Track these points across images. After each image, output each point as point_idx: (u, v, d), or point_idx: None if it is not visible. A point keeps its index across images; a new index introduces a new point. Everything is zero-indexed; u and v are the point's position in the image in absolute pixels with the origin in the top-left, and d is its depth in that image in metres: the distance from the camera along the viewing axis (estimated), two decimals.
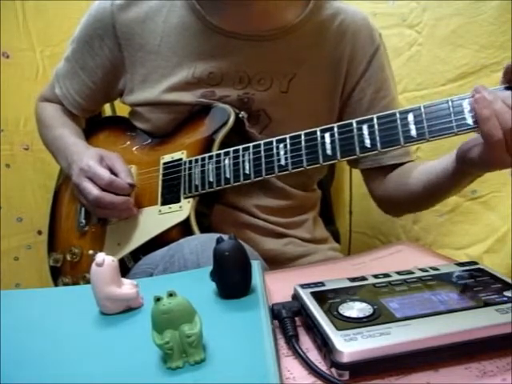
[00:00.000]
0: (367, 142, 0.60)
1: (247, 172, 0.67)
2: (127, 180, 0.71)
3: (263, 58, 0.75)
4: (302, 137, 0.64)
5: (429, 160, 0.73)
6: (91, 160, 0.71)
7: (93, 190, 0.69)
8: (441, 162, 0.66)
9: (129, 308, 0.45)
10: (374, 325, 0.39)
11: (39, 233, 1.15)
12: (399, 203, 0.78)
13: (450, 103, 0.55)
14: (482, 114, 0.52)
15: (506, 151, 0.51)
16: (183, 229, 0.69)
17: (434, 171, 0.68)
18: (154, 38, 0.76)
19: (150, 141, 0.80)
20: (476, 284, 0.46)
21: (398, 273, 0.50)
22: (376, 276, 0.49)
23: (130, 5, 0.77)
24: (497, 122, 0.50)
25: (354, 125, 0.61)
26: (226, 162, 0.69)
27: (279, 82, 0.75)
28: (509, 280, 0.45)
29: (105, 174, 0.69)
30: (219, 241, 0.45)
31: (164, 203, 0.73)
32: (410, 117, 0.57)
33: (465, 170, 0.61)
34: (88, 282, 0.47)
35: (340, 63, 0.77)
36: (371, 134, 0.59)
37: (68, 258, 0.80)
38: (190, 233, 0.68)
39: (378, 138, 0.59)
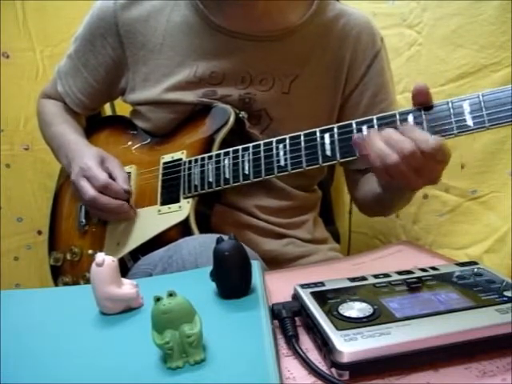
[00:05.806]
0: None
1: (246, 172, 0.67)
2: (124, 186, 0.71)
3: (266, 58, 0.75)
4: (302, 137, 0.64)
5: None
6: (91, 160, 0.71)
7: (89, 190, 0.69)
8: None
9: (129, 308, 0.45)
10: (373, 325, 0.39)
11: (39, 233, 1.16)
12: (372, 204, 0.80)
13: (449, 104, 0.55)
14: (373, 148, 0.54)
15: (419, 177, 0.54)
16: (182, 229, 0.69)
17: (375, 186, 0.70)
18: (157, 36, 0.76)
19: (150, 140, 0.80)
20: (476, 284, 0.46)
21: (398, 273, 0.50)
22: (376, 276, 0.49)
23: (133, 4, 0.77)
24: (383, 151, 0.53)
25: (354, 125, 0.61)
26: (226, 162, 0.69)
27: (281, 83, 0.75)
28: (509, 280, 0.46)
29: (102, 176, 0.69)
30: (219, 241, 0.45)
31: (163, 203, 0.73)
32: (410, 118, 0.57)
33: (388, 193, 0.66)
34: (88, 281, 0.47)
35: (341, 65, 0.77)
36: None
37: (68, 257, 0.80)
38: (190, 233, 0.68)
39: None
